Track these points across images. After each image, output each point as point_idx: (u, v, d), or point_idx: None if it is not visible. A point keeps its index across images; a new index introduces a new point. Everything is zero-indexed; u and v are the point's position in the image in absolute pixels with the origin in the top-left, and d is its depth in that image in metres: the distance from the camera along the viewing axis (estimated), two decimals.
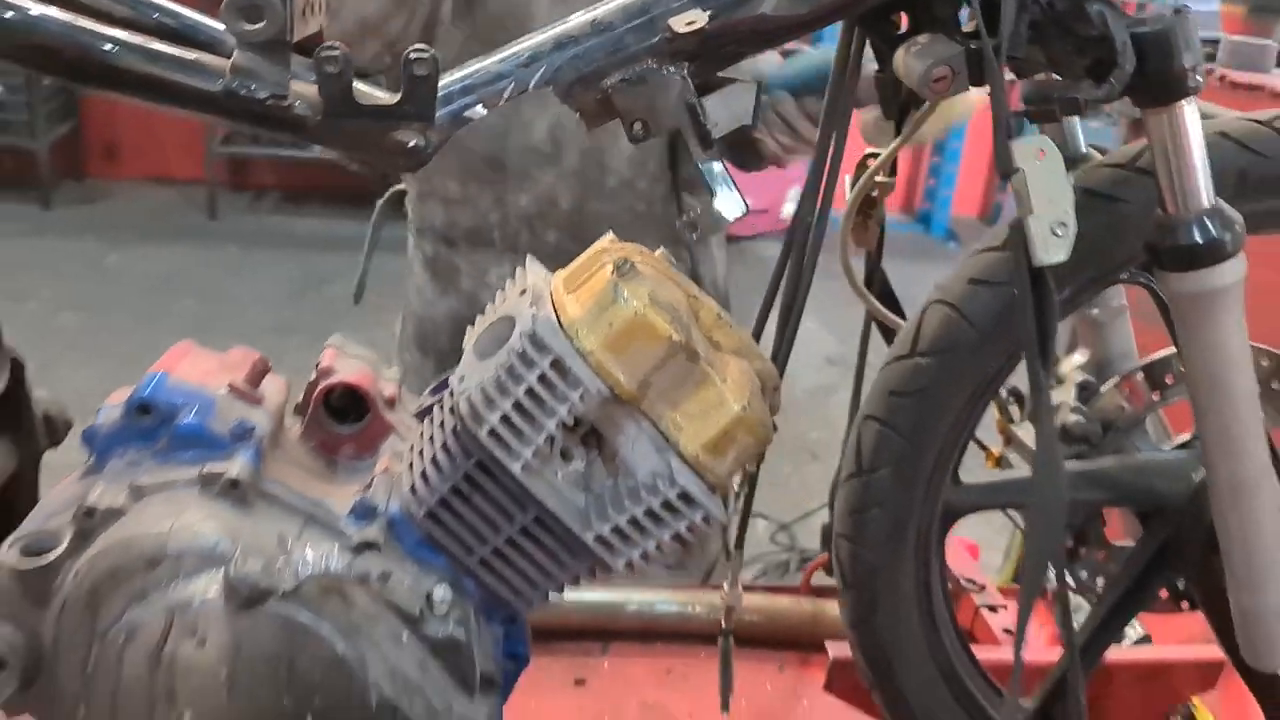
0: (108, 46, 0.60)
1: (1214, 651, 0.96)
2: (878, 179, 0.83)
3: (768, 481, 0.83)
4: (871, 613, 0.83)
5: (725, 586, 0.88)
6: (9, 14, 0.59)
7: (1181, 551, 0.84)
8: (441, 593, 0.65)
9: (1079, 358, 0.88)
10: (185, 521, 0.59)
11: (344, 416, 0.74)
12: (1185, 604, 0.91)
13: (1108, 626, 0.89)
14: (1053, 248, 0.62)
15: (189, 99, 0.60)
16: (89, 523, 0.60)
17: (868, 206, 0.86)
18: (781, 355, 0.78)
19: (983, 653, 0.93)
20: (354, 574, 0.60)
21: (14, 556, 0.59)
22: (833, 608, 1.04)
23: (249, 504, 0.62)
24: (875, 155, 0.83)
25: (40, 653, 0.61)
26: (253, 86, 0.58)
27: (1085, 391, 0.87)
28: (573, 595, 1.08)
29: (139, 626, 0.58)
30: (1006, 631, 1.03)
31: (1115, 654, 1.06)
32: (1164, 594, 0.91)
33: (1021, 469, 0.92)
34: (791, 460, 3.06)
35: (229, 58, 0.59)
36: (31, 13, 0.59)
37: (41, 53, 0.60)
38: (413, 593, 0.64)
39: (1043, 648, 1.02)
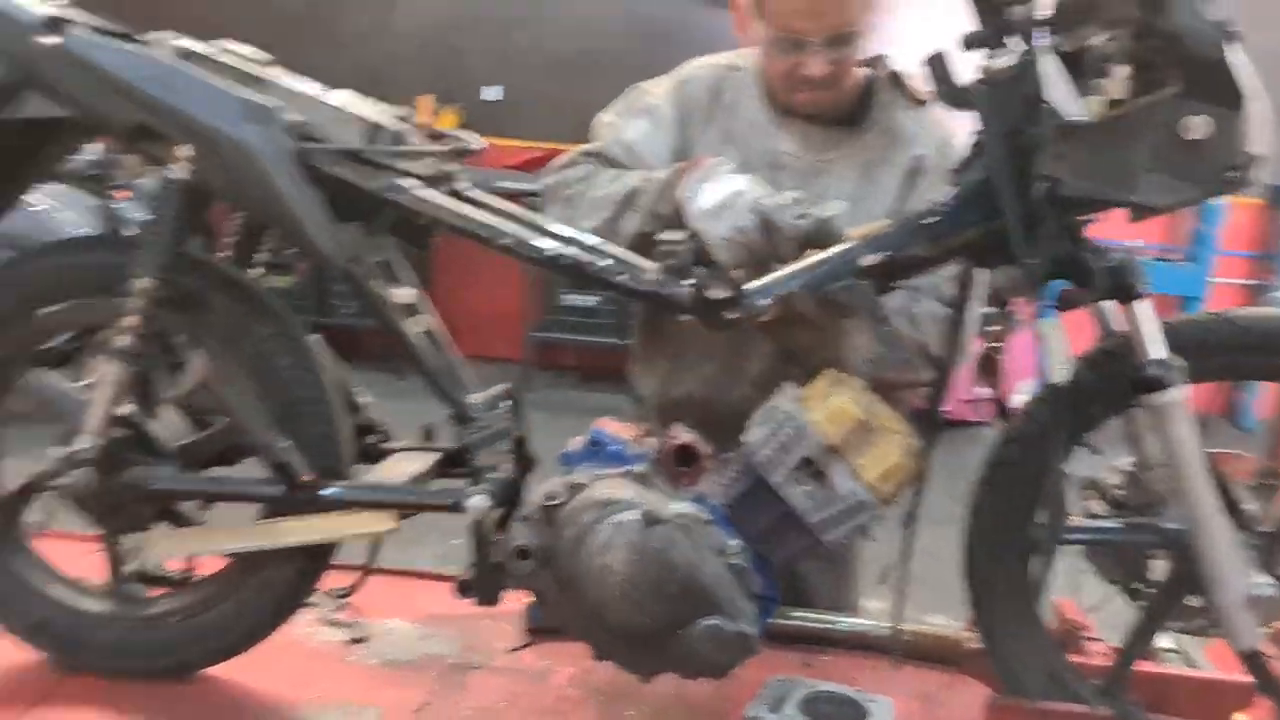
0: (603, 264, 1.31)
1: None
2: (993, 345, 1.42)
3: None
4: (982, 603, 1.37)
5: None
6: (555, 251, 1.32)
7: (1191, 577, 1.33)
8: (735, 543, 1.27)
9: (1127, 458, 1.41)
10: (621, 489, 1.25)
11: (683, 463, 1.39)
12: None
13: (1149, 628, 1.38)
14: (1060, 369, 1.19)
15: (638, 295, 1.29)
16: (573, 490, 1.27)
17: (990, 363, 1.44)
18: (931, 440, 1.35)
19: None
20: (696, 519, 1.24)
21: (540, 500, 1.27)
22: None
23: (648, 485, 1.27)
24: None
25: (546, 552, 1.27)
26: (669, 286, 1.28)
27: (1134, 477, 1.39)
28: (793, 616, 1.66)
29: (595, 527, 1.23)
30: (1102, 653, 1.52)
31: (1173, 670, 1.52)
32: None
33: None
34: None
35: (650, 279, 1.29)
36: (570, 250, 1.32)
37: (564, 269, 1.32)
38: (720, 540, 1.27)
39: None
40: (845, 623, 1.68)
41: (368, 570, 1.65)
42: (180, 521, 1.42)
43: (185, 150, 1.22)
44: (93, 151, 6.36)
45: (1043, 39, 1.22)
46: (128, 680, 1.43)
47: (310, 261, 1.30)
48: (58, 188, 5.24)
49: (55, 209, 5.07)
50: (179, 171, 1.23)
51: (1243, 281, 6.37)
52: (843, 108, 1.68)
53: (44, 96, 1.23)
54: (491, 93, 6.69)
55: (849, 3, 1.56)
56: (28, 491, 1.40)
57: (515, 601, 1.62)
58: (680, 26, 6.69)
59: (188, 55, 1.25)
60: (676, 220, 1.49)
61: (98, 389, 1.30)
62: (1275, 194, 6.31)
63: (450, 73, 6.67)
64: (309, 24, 6.53)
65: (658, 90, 1.77)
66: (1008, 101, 1.22)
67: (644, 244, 1.50)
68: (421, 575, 1.83)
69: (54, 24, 1.22)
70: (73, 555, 1.49)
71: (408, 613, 1.70)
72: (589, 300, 6.47)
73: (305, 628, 1.60)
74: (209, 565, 1.47)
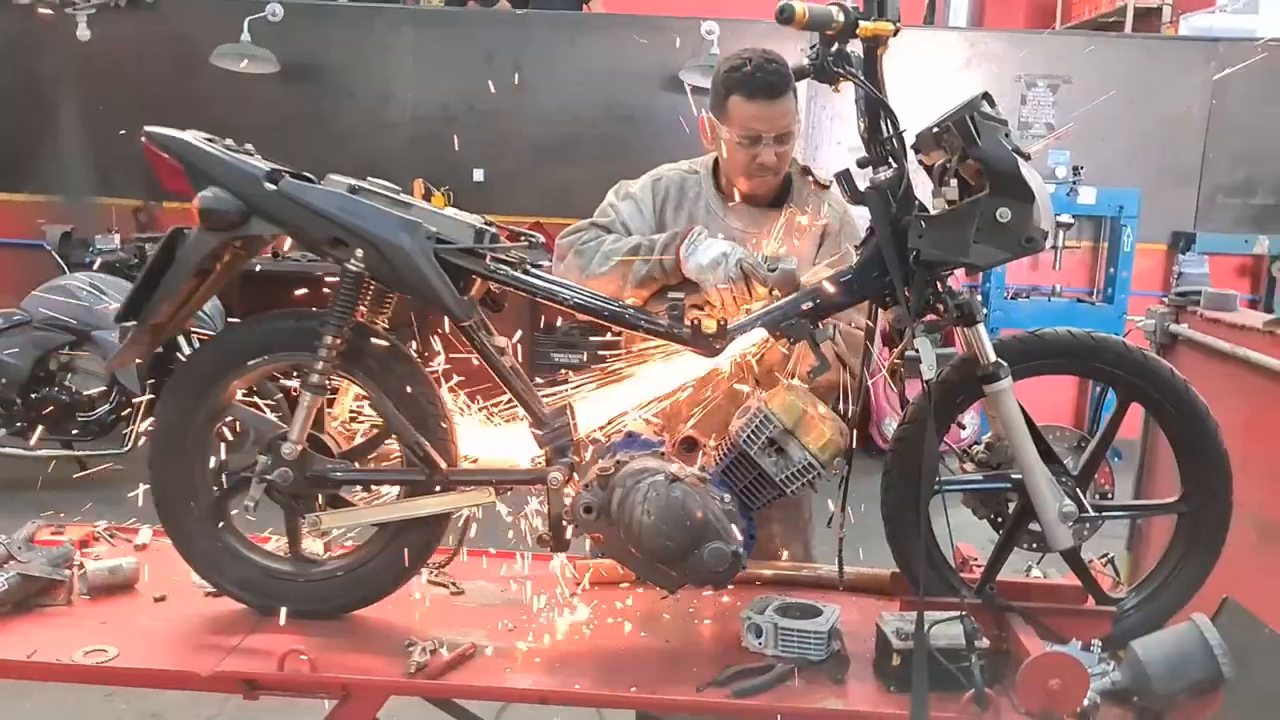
0: (632, 314, 1.97)
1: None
2: (898, 361, 2.09)
3: None
4: (894, 536, 2.03)
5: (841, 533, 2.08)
6: (604, 308, 1.98)
7: (1029, 508, 1.99)
8: (727, 495, 1.92)
9: (987, 433, 2.08)
10: (651, 463, 1.90)
11: (688, 448, 2.04)
12: None
13: (1006, 546, 2.04)
14: (930, 372, 1.86)
15: (653, 332, 1.96)
16: (619, 465, 1.91)
17: (895, 372, 2.11)
18: (852, 425, 2.01)
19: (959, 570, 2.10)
20: (701, 479, 1.89)
21: (597, 471, 1.91)
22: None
23: (667, 460, 1.92)
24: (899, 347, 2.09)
25: (603, 506, 1.91)
26: (677, 328, 1.94)
27: (990, 445, 2.06)
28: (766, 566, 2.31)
29: (635, 487, 1.86)
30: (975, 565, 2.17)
31: (1030, 579, 2.18)
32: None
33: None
34: None
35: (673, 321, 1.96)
36: (612, 306, 1.98)
37: (610, 318, 1.98)
38: (717, 493, 1.91)
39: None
40: (805, 568, 2.33)
41: (458, 549, 2.28)
42: (341, 504, 2.05)
43: (359, 252, 1.88)
44: (107, 242, 7.01)
45: (908, 160, 1.92)
46: (307, 619, 2.04)
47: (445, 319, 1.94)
48: (102, 277, 5.88)
49: (99, 296, 5.69)
50: (354, 266, 1.89)
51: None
52: (773, 194, 2.39)
53: (264, 222, 1.89)
54: (478, 175, 7.42)
55: (788, 112, 2.28)
56: (238, 486, 2.02)
57: (567, 564, 2.27)
58: (641, 110, 7.49)
59: (354, 190, 1.91)
60: (677, 271, 2.17)
61: (298, 412, 1.94)
62: (1174, 239, 7.17)
63: (440, 158, 7.40)
64: (312, 121, 7.23)
65: (638, 184, 2.48)
66: (889, 200, 1.91)
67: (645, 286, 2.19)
68: (490, 553, 2.45)
69: (274, 175, 1.88)
70: None
71: (487, 575, 2.32)
72: (572, 359, 7.17)
73: (419, 585, 2.22)
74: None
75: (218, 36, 6.91)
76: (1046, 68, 7.45)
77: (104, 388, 5.63)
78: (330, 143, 7.06)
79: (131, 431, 5.55)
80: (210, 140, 1.94)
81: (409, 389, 1.98)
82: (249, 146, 2.01)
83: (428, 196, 6.94)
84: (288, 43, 7.09)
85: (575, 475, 1.97)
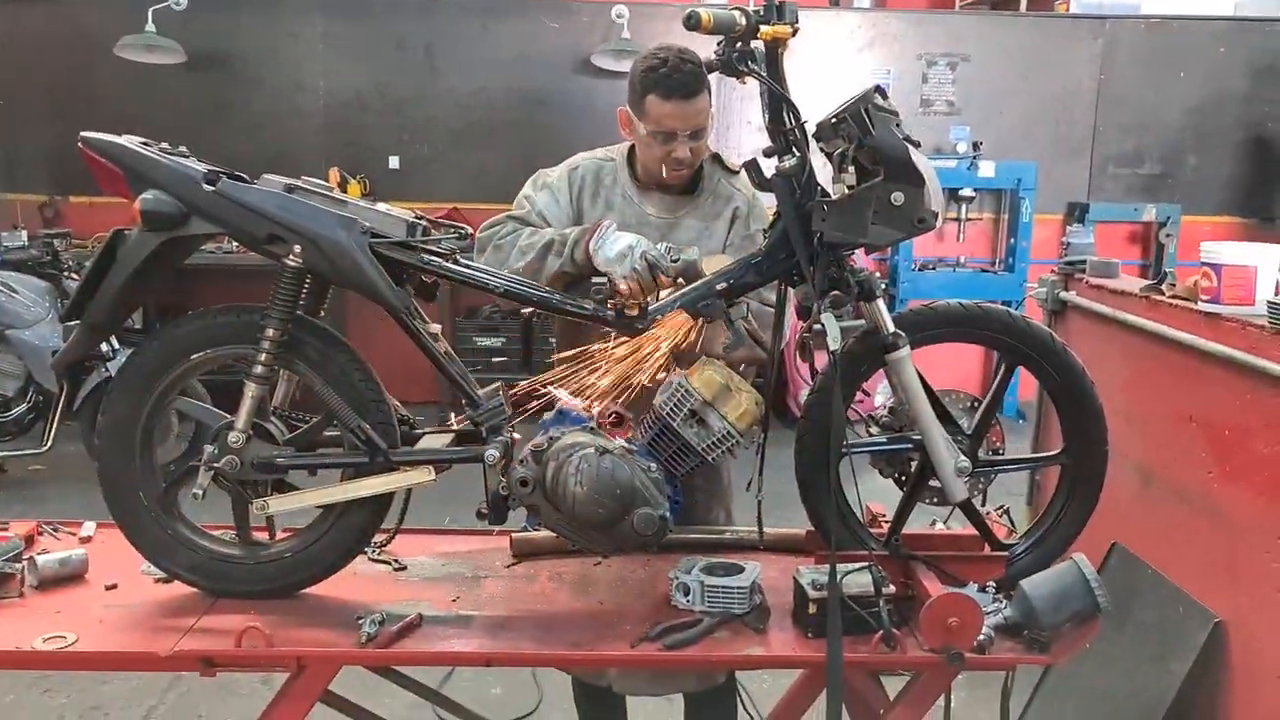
0: (555, 300, 2.10)
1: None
2: (806, 335, 2.25)
3: None
4: (807, 497, 2.20)
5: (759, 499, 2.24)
6: (532, 294, 2.10)
7: (928, 466, 2.17)
8: (653, 465, 2.07)
9: (892, 398, 2.26)
10: (581, 437, 2.04)
11: (615, 423, 2.18)
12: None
13: (910, 501, 2.22)
14: (835, 344, 2.03)
15: (579, 315, 2.09)
16: (551, 440, 2.04)
17: (805, 345, 2.28)
18: (767, 396, 2.18)
19: (869, 526, 2.29)
20: (629, 450, 2.03)
21: (530, 448, 2.04)
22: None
23: (597, 434, 2.06)
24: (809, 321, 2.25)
25: (538, 479, 2.04)
26: (600, 310, 2.07)
27: (893, 410, 2.24)
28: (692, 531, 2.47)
29: (567, 460, 2.00)
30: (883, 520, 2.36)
31: (934, 530, 2.38)
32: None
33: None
34: None
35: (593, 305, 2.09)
36: (540, 293, 2.11)
37: (537, 304, 2.11)
38: (644, 463, 2.06)
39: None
40: (728, 531, 2.50)
41: (399, 528, 2.40)
42: (288, 488, 2.14)
43: (298, 248, 1.97)
44: (14, 239, 6.89)
45: (810, 149, 2.07)
46: (257, 599, 2.14)
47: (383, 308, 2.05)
48: (13, 275, 5.79)
49: (10, 294, 5.61)
50: (293, 261, 1.98)
51: None
52: (687, 181, 2.53)
53: (204, 221, 1.97)
54: (393, 162, 7.45)
55: (702, 110, 2.41)
56: (187, 474, 2.11)
57: (504, 538, 2.40)
58: (554, 94, 7.57)
59: (291, 189, 2.00)
60: (588, 264, 2.30)
61: (243, 402, 2.03)
62: (1070, 209, 7.52)
63: (353, 146, 7.40)
64: (222, 111, 7.17)
65: (555, 173, 2.60)
66: (794, 187, 2.06)
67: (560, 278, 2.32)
68: (430, 530, 2.57)
69: (211, 176, 1.96)
70: None
71: (427, 552, 2.44)
72: (495, 342, 7.28)
73: (362, 564, 2.32)
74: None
75: (122, 27, 6.80)
76: (947, 46, 7.72)
77: (20, 385, 5.57)
78: (242, 133, 7.02)
79: (50, 430, 5.50)
80: (146, 144, 2.02)
81: (349, 376, 2.08)
82: (184, 149, 2.08)
83: (343, 185, 6.95)
84: (194, 32, 7.01)
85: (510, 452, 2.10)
